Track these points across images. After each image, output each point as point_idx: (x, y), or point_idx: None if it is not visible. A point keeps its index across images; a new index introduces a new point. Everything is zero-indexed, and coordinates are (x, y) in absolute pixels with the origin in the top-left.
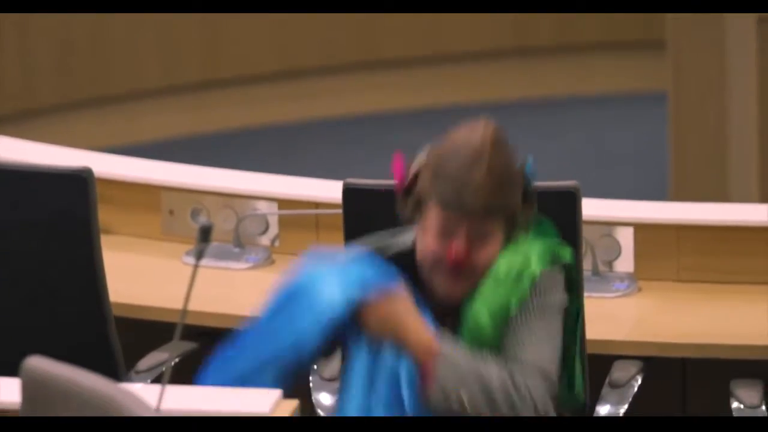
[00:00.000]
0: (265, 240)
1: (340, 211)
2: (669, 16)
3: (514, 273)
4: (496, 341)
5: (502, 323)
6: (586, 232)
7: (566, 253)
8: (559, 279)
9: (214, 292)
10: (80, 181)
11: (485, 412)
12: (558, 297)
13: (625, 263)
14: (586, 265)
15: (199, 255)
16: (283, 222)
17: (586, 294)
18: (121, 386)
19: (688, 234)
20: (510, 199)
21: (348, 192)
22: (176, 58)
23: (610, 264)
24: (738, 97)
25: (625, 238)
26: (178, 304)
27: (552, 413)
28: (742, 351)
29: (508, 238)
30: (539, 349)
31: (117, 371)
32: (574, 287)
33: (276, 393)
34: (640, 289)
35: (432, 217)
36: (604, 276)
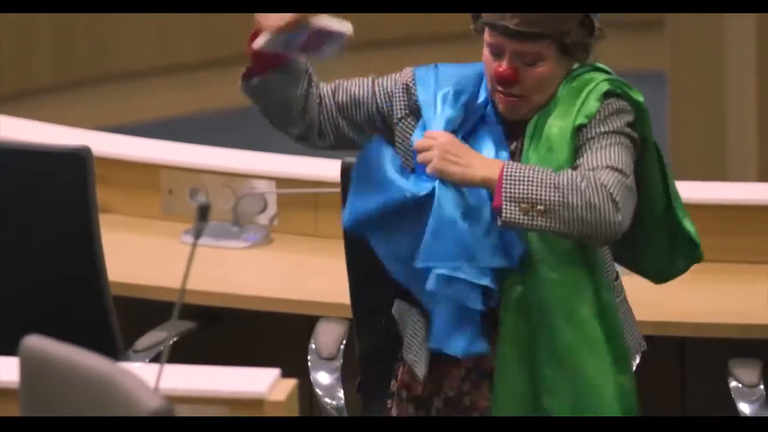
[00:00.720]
0: (263, 219)
1: (338, 190)
2: None
3: (581, 92)
4: (566, 155)
5: (571, 138)
6: None
7: (637, 94)
8: (628, 111)
9: (213, 272)
10: (79, 160)
11: (563, 215)
12: (627, 123)
13: None
14: None
15: (198, 234)
16: (281, 201)
17: None
18: (119, 365)
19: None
20: (562, 25)
21: (347, 171)
22: (173, 37)
23: None
24: (736, 75)
25: None
26: (176, 284)
27: (628, 208)
28: (741, 330)
29: (565, 64)
30: (607, 154)
31: (115, 350)
32: (646, 130)
33: (274, 372)
34: None
35: (486, 39)
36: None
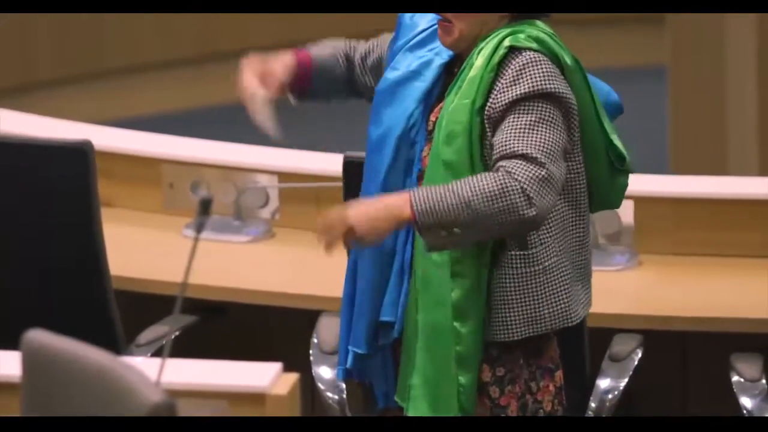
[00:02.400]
0: (265, 213)
1: (340, 184)
2: None
3: (487, 61)
4: (464, 141)
5: (471, 119)
6: None
7: (561, 50)
8: (541, 62)
9: (215, 266)
10: (80, 153)
11: (481, 226)
12: (544, 79)
13: (625, 237)
14: None
15: (200, 228)
16: (283, 195)
17: None
18: (121, 359)
19: (687, 208)
20: None
21: (348, 165)
22: (173, 31)
23: (609, 238)
24: (737, 70)
25: (625, 212)
26: (178, 278)
27: (545, 200)
28: (742, 324)
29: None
30: (522, 139)
31: (117, 345)
32: (579, 80)
33: (276, 366)
34: (640, 263)
35: None
36: (605, 249)
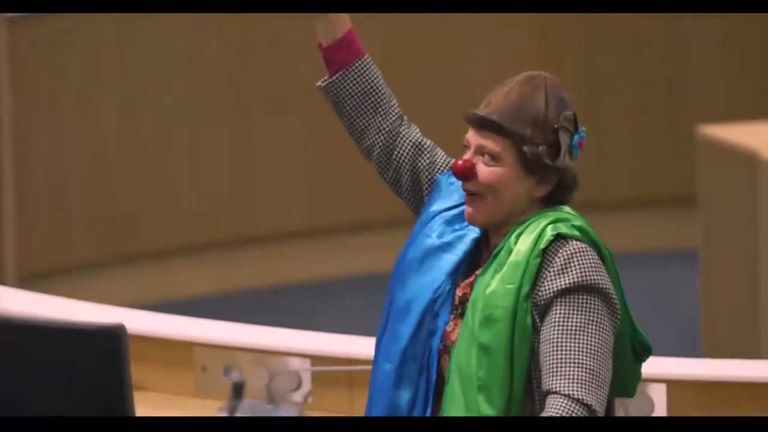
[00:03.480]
0: (297, 396)
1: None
2: (699, 170)
3: (529, 246)
4: (507, 325)
5: (515, 306)
6: None
7: (596, 236)
8: (595, 258)
9: None
10: (113, 337)
11: None
12: (590, 270)
13: None
14: None
15: (232, 412)
16: (316, 379)
17: None
18: None
19: (720, 391)
20: (518, 127)
21: None
22: (207, 215)
23: None
24: None
25: (658, 395)
26: None
27: (602, 397)
28: None
29: (523, 183)
30: (571, 344)
31: None
32: (613, 272)
33: None
34: None
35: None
36: None
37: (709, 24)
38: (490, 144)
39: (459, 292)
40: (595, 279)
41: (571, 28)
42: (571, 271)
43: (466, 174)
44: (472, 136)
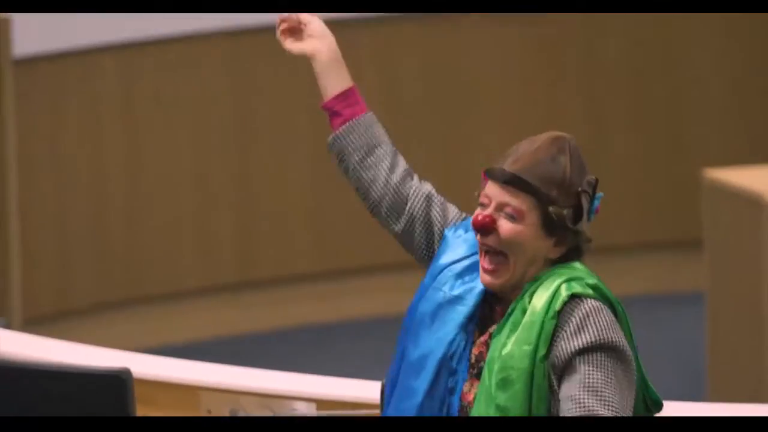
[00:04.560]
0: None
1: (378, 411)
2: (705, 214)
3: (546, 298)
4: (522, 386)
5: (531, 367)
6: None
7: (608, 293)
8: (610, 316)
9: None
10: (118, 381)
11: None
12: (605, 327)
13: None
14: None
15: None
16: None
17: None
18: None
19: None
20: (545, 187)
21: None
22: (213, 258)
23: None
24: None
25: None
26: None
27: None
28: None
29: (544, 242)
30: (594, 398)
31: None
32: (627, 328)
33: None
34: None
35: (480, 198)
36: None
37: (715, 65)
38: (516, 202)
39: (475, 351)
40: (611, 337)
41: (570, 75)
42: (588, 330)
43: (486, 228)
44: (494, 192)
